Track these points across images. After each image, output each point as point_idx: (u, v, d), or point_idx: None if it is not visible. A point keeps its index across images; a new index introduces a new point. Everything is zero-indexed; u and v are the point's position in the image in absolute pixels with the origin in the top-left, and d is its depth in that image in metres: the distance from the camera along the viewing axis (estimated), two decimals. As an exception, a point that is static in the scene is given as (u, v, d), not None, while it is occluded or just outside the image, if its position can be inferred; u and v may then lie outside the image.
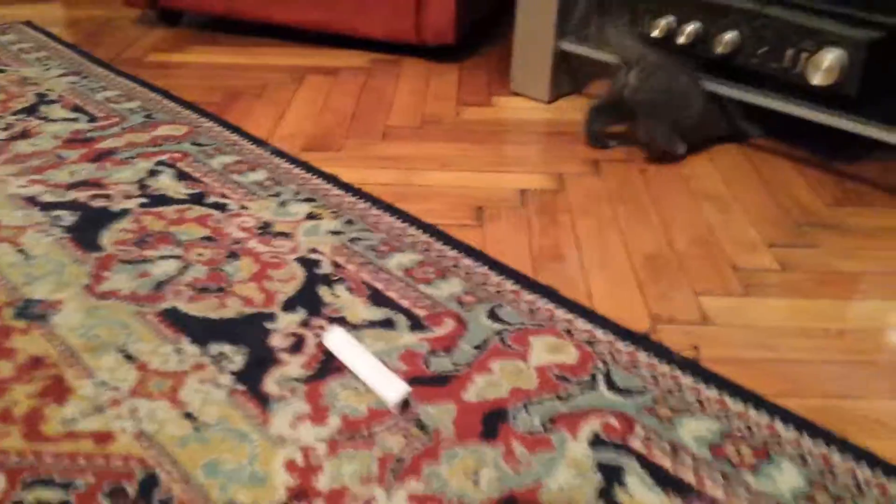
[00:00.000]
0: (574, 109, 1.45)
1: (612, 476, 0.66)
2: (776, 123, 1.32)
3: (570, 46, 1.44)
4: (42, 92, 1.46)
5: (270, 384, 0.75)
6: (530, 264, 0.97)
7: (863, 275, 0.95)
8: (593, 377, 0.76)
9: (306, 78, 1.60)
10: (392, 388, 0.73)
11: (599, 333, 0.82)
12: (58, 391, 0.74)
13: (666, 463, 0.67)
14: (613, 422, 0.71)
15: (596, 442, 0.69)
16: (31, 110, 1.38)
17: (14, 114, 1.37)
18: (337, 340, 0.79)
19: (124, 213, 1.05)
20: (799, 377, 0.78)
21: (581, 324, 0.84)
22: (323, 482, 0.65)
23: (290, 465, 0.66)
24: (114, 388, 0.74)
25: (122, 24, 1.90)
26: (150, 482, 0.64)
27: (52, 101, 1.42)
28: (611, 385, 0.76)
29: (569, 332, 0.83)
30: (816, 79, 1.14)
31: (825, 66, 1.13)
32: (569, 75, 1.51)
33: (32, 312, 0.85)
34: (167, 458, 0.67)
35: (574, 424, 0.71)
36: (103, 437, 0.69)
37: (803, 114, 1.17)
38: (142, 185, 1.13)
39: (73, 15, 1.98)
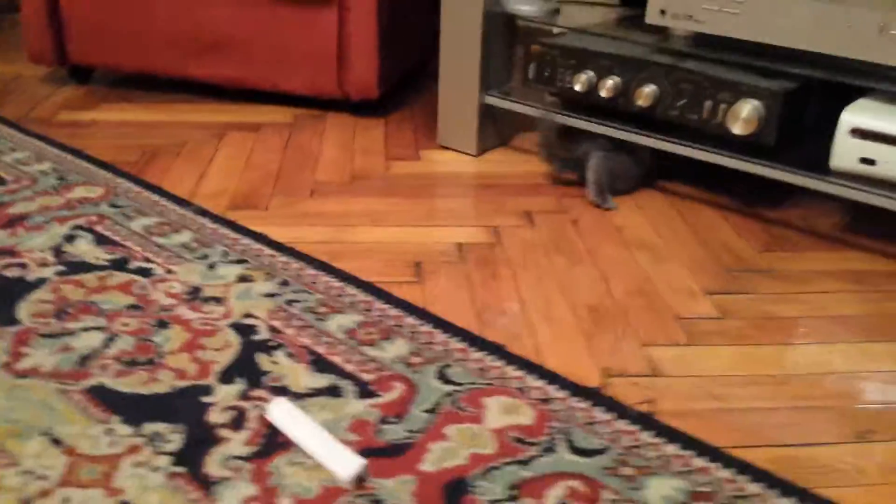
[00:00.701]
0: (502, 162, 1.46)
1: (581, 542, 0.64)
2: (694, 172, 1.36)
3: (494, 100, 1.45)
4: (-59, 154, 1.37)
5: (212, 465, 0.70)
6: (474, 320, 0.95)
7: (800, 319, 0.97)
8: (552, 438, 0.75)
9: (227, 134, 1.56)
10: (344, 463, 0.69)
11: (552, 390, 0.81)
12: (-26, 486, 0.67)
13: (634, 525, 0.65)
14: (578, 486, 0.69)
15: (561, 507, 0.67)
16: (-71, 174, 1.29)
17: (-89, 178, 1.27)
18: (281, 413, 0.75)
19: (41, 282, 0.98)
20: (751, 427, 0.78)
21: (532, 381, 0.82)
22: (278, 570, 0.60)
23: (241, 554, 0.61)
24: (41, 478, 0.68)
25: (29, 82, 1.82)
26: (84, 584, 0.58)
27: (-46, 164, 1.33)
28: (570, 446, 0.74)
29: (521, 390, 0.81)
30: (737, 128, 1.18)
31: (743, 116, 1.16)
32: (495, 128, 1.52)
33: (-59, 397, 0.78)
34: (103, 554, 0.61)
35: (539, 491, 0.68)
36: (29, 536, 0.62)
37: (725, 162, 1.20)
38: (58, 251, 1.06)
39: (-26, 72, 1.89)
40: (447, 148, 1.51)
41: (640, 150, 1.31)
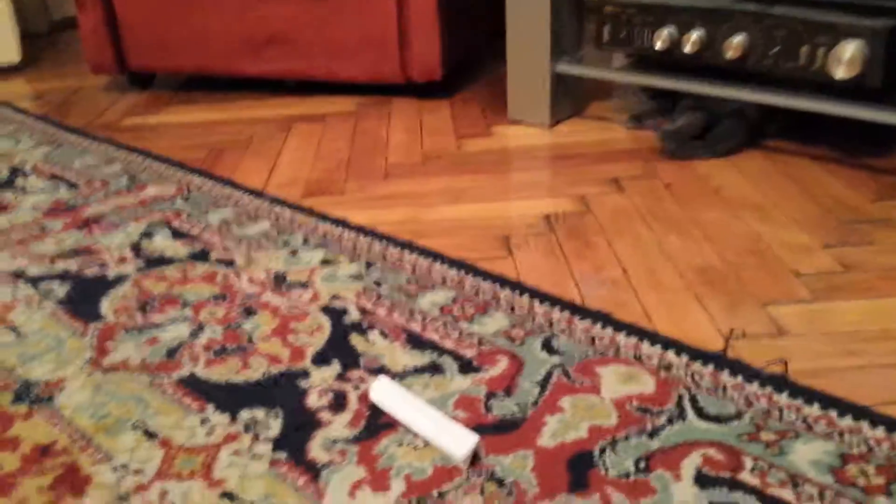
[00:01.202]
0: (577, 132, 1.39)
1: (730, 515, 0.57)
2: (792, 125, 1.27)
3: (566, 68, 1.38)
4: (15, 165, 1.37)
5: (316, 449, 0.66)
6: (574, 290, 0.89)
7: (933, 267, 0.88)
8: (678, 406, 0.68)
9: (293, 127, 1.52)
10: (458, 441, 0.63)
11: (671, 356, 0.74)
12: (73, 481, 0.64)
13: (787, 495, 0.58)
14: (715, 454, 0.62)
15: (703, 480, 0.60)
16: (5, 185, 1.29)
17: (-13, 188, 1.27)
18: (384, 392, 0.69)
19: (122, 278, 0.96)
20: (894, 384, 0.70)
21: (648, 347, 0.76)
22: (399, 558, 0.55)
23: (357, 542, 0.56)
24: (137, 472, 0.64)
25: (90, 93, 1.82)
26: (194, 579, 0.54)
27: (27, 174, 1.33)
28: (700, 413, 0.67)
29: (637, 357, 0.74)
30: (839, 72, 1.09)
31: (846, 58, 1.08)
32: (567, 97, 1.45)
33: (33, 395, 0.75)
34: (211, 548, 0.57)
35: (673, 462, 0.62)
36: (132, 531, 0.58)
37: (829, 109, 1.11)
38: (136, 248, 1.03)
39: (38, 88, 1.90)
40: (518, 122, 1.45)
41: (740, 110, 1.23)
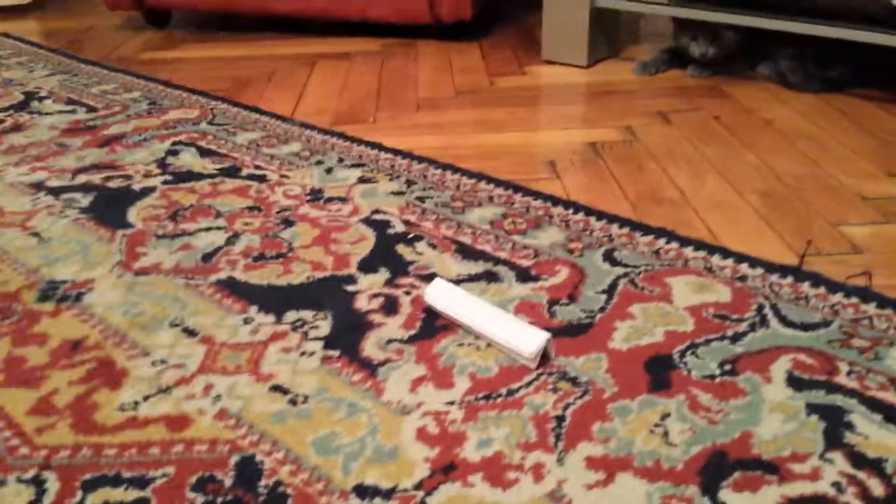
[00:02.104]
0: (616, 71, 1.33)
1: (831, 418, 0.52)
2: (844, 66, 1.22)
3: (608, 2, 1.33)
4: (29, 90, 1.31)
5: (370, 348, 0.61)
6: (630, 209, 0.84)
7: None
8: (760, 314, 0.63)
9: (318, 63, 1.47)
10: (527, 338, 0.58)
11: (745, 268, 0.69)
12: (107, 374, 0.59)
13: (891, 397, 0.54)
14: (806, 359, 0.58)
15: (796, 382, 0.55)
16: (20, 107, 1.23)
17: (1, 111, 1.21)
18: (441, 294, 0.64)
19: (149, 190, 0.91)
20: None
21: (719, 260, 0.71)
22: (470, 451, 0.50)
23: (423, 435, 0.52)
24: (177, 366, 0.59)
25: (104, 31, 1.76)
26: (247, 468, 0.49)
27: (43, 98, 1.27)
28: (784, 321, 0.62)
29: (708, 269, 0.70)
30: (902, 1, 1.03)
31: (911, -14, 1.02)
32: (605, 38, 1.39)
33: (59, 294, 0.70)
34: (264, 437, 0.52)
35: (761, 366, 0.57)
36: (177, 421, 0.54)
37: (888, 41, 1.06)
38: (162, 163, 0.98)
39: (51, 26, 1.84)
40: (553, 62, 1.39)
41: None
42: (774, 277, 0.68)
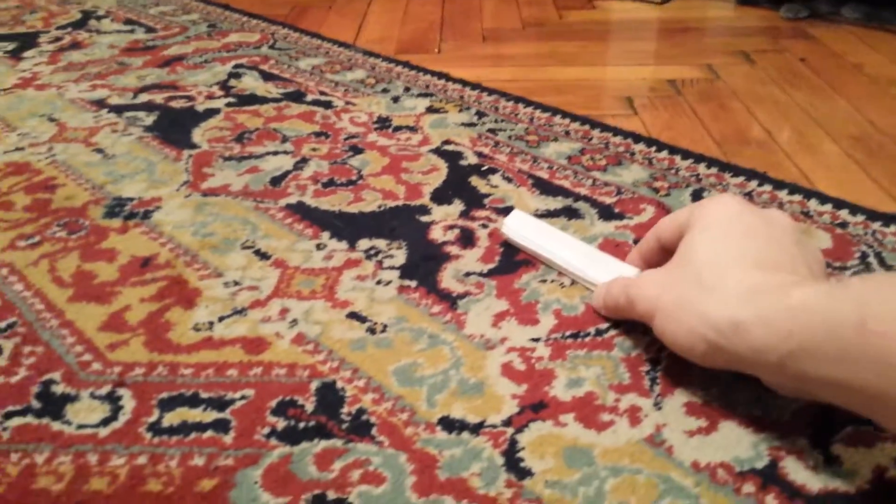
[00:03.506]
0: (692, 9, 1.27)
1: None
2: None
3: (686, -63, 1.25)
4: (87, 9, 1.29)
5: (448, 280, 0.58)
6: (716, 149, 0.79)
7: None
8: (864, 261, 0.59)
9: (377, -9, 1.41)
10: (617, 274, 0.55)
11: (845, 215, 0.65)
12: (180, 293, 0.57)
13: None
14: (917, 309, 0.53)
15: (907, 332, 0.51)
16: (78, 24, 1.21)
17: (59, 28, 1.19)
18: (521, 226, 0.61)
19: (213, 112, 0.88)
20: None
21: (816, 205, 0.66)
22: (560, 390, 0.47)
23: (509, 371, 0.49)
24: (252, 288, 0.57)
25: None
26: (328, 394, 0.47)
27: (101, 17, 1.25)
28: (890, 270, 0.58)
29: (806, 214, 0.65)
30: None
31: None
32: (681, -26, 1.32)
33: (127, 211, 0.68)
34: (344, 364, 0.50)
35: (868, 313, 0.53)
36: (254, 343, 0.52)
37: None
38: (224, 86, 0.95)
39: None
40: (625, -2, 1.33)
41: None
42: (877, 225, 0.64)
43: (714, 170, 0.73)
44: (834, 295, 0.36)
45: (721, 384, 0.48)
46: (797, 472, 0.42)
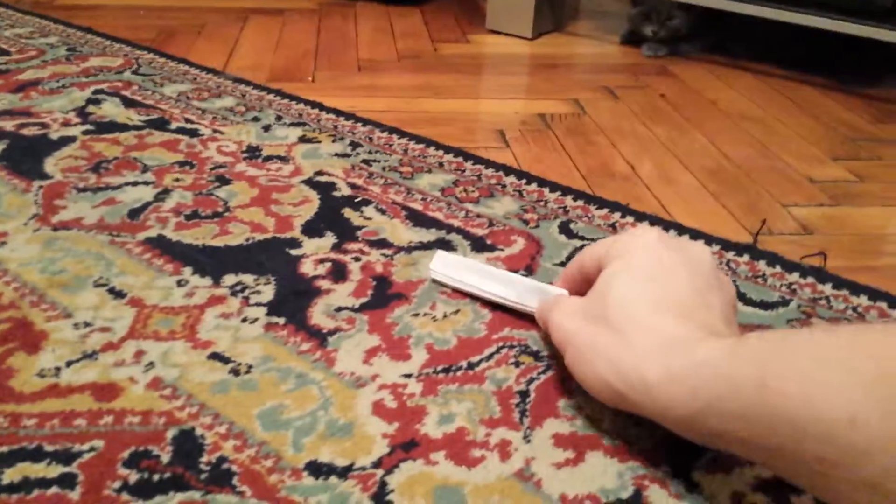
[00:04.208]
0: (561, 45, 1.31)
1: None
2: (777, 53, 1.23)
3: (554, -25, 1.30)
4: (-71, 27, 1.20)
5: (319, 315, 0.57)
6: (582, 182, 0.81)
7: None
8: (719, 289, 0.61)
9: (250, 18, 1.40)
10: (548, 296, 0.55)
11: (702, 245, 0.68)
12: (24, 337, 0.53)
13: (853, 377, 0.53)
14: (768, 335, 0.56)
15: (759, 358, 0.54)
16: (-82, 43, 1.12)
17: None
18: (448, 267, 0.61)
19: (68, 140, 0.83)
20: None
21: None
22: (431, 427, 0.47)
23: (380, 409, 0.48)
24: (104, 330, 0.54)
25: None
26: (186, 442, 0.45)
27: (-55, 36, 1.16)
28: (743, 298, 0.61)
29: (666, 244, 0.68)
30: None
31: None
32: (550, 11, 1.37)
33: (-33, 246, 0.63)
34: (204, 409, 0.47)
35: (724, 340, 0.55)
36: (105, 390, 0.48)
37: (838, 27, 1.07)
38: (82, 112, 0.90)
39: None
40: (497, 32, 1.36)
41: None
42: (730, 255, 0.67)
43: (580, 202, 0.75)
44: (736, 353, 0.37)
45: (589, 412, 0.48)
46: (660, 500, 0.43)
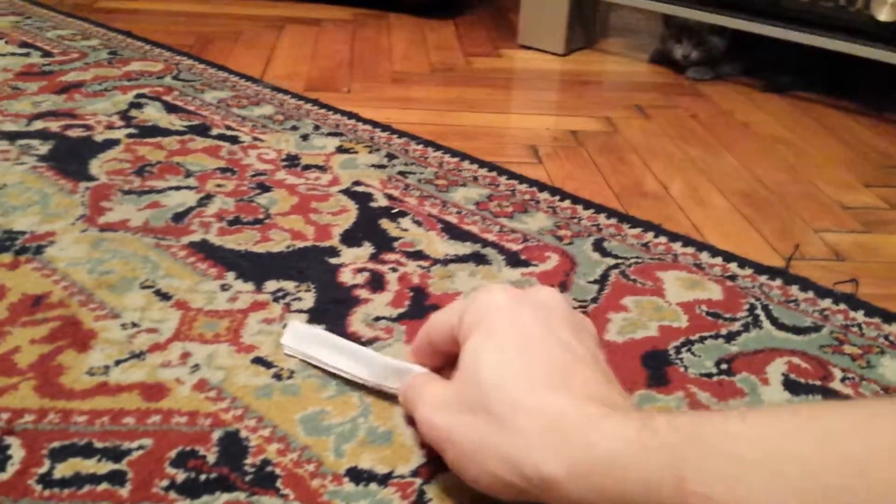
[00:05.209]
0: (592, 62, 1.32)
1: (829, 421, 0.52)
2: (808, 78, 1.23)
3: (588, -7, 1.31)
4: (-24, 27, 1.23)
5: (358, 324, 0.58)
6: (615, 200, 0.82)
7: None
8: (752, 315, 0.62)
9: (286, 27, 1.42)
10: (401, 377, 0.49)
11: (735, 268, 0.69)
12: (74, 335, 0.55)
13: (885, 404, 0.53)
14: (801, 363, 0.57)
15: (792, 386, 0.55)
16: (-34, 43, 1.15)
17: (-55, 45, 1.13)
18: (300, 342, 0.54)
19: (112, 143, 0.85)
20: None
21: (708, 258, 0.70)
22: (468, 438, 0.48)
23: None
24: (151, 331, 0.55)
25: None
26: (231, 444, 0.46)
27: (-9, 36, 1.19)
28: (775, 323, 0.62)
29: (699, 266, 0.69)
30: (883, 15, 1.05)
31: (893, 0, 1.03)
32: (582, 28, 1.38)
33: (18, 245, 0.65)
34: (248, 412, 0.49)
35: (757, 367, 0.56)
36: (153, 390, 0.50)
37: (869, 53, 1.07)
38: (125, 116, 0.93)
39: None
40: (529, 47, 1.37)
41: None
42: (763, 279, 0.68)
43: (614, 220, 0.76)
44: (646, 447, 0.34)
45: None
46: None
